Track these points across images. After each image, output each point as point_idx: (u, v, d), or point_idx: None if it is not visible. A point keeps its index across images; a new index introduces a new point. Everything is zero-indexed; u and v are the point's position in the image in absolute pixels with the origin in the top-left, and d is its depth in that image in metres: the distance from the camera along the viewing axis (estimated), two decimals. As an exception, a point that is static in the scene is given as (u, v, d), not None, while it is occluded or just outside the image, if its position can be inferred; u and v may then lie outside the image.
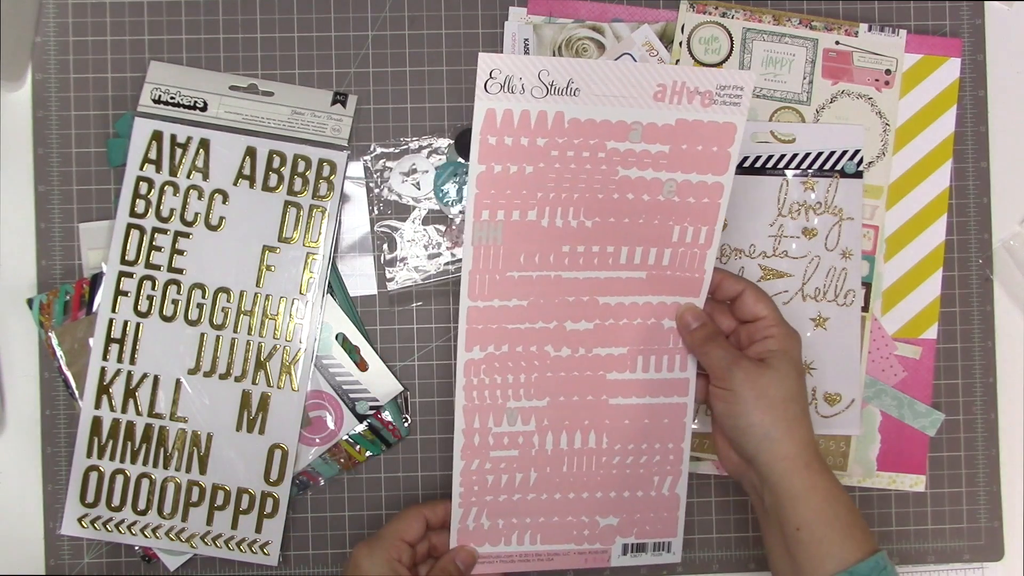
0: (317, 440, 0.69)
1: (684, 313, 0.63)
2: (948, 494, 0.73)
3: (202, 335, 0.68)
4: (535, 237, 0.61)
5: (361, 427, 0.70)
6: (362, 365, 0.70)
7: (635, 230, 0.62)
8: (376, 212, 0.71)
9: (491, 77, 0.58)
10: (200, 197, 0.69)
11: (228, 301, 0.68)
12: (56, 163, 0.70)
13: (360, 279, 0.71)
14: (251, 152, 0.69)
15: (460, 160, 0.71)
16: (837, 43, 0.71)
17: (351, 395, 0.69)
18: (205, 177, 0.69)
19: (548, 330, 0.63)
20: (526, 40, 0.71)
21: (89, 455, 0.68)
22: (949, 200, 0.73)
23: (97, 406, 0.68)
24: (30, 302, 0.68)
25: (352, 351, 0.69)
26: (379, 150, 0.71)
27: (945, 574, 0.73)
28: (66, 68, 0.71)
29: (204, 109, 0.69)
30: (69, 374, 0.68)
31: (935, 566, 0.73)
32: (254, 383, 0.68)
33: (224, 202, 0.69)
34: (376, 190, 0.71)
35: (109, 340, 0.68)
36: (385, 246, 0.71)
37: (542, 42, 0.71)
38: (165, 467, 0.68)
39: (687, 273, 0.63)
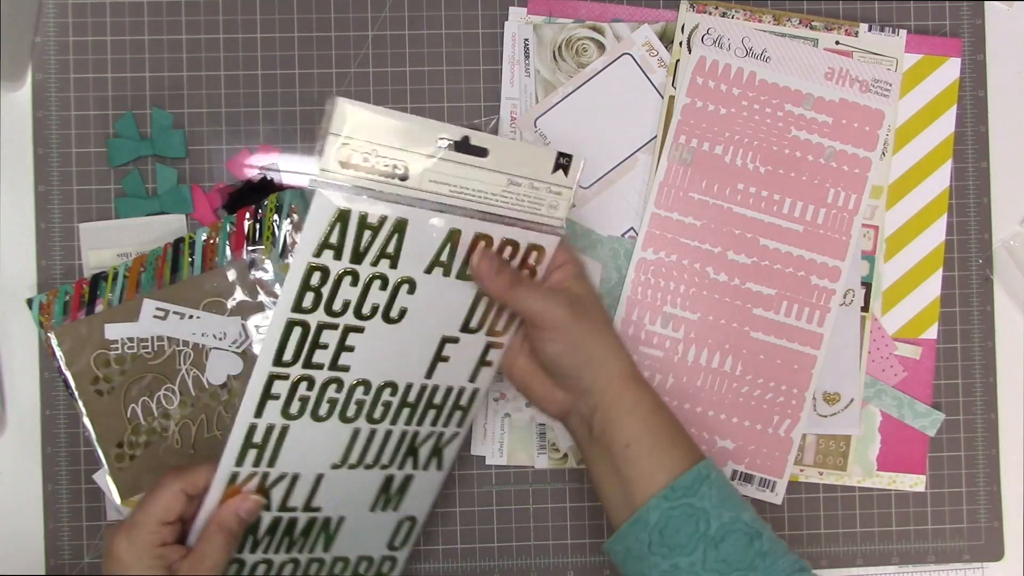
0: (317, 440, 0.69)
1: (480, 263, 0.57)
2: (948, 494, 0.73)
3: (355, 431, 0.60)
4: (718, 169, 0.70)
5: (361, 427, 0.69)
6: (363, 365, 0.69)
7: (798, 185, 0.70)
8: (376, 212, 0.71)
9: (707, 33, 0.70)
10: (383, 287, 0.56)
11: (391, 395, 0.60)
12: (56, 163, 0.70)
13: (360, 279, 0.71)
14: (453, 236, 0.57)
15: (460, 160, 0.70)
16: (837, 43, 0.71)
17: (351, 395, 0.69)
18: (393, 265, 0.56)
19: (712, 254, 0.70)
20: (526, 40, 0.71)
21: None
22: (949, 200, 0.73)
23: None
24: (30, 302, 0.68)
25: (352, 351, 0.69)
26: (379, 150, 0.71)
27: (945, 574, 0.73)
28: (66, 68, 0.71)
29: (405, 178, 0.54)
30: (69, 374, 0.68)
31: (935, 566, 0.73)
32: (399, 468, 0.63)
33: (410, 292, 0.57)
34: (376, 190, 0.71)
35: (248, 446, 0.57)
36: (385, 246, 0.70)
37: (542, 42, 0.71)
38: (288, 551, 0.62)
39: (835, 235, 0.70)
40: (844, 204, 0.70)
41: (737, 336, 0.70)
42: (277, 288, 0.68)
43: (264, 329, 0.68)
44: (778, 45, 0.70)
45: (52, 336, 0.68)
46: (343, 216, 0.53)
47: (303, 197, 0.70)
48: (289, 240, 0.69)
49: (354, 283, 0.55)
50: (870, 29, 0.71)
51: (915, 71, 0.72)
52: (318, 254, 0.54)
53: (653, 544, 0.56)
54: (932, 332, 0.72)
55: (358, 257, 0.55)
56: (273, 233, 0.69)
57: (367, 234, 0.54)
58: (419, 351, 0.59)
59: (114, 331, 0.68)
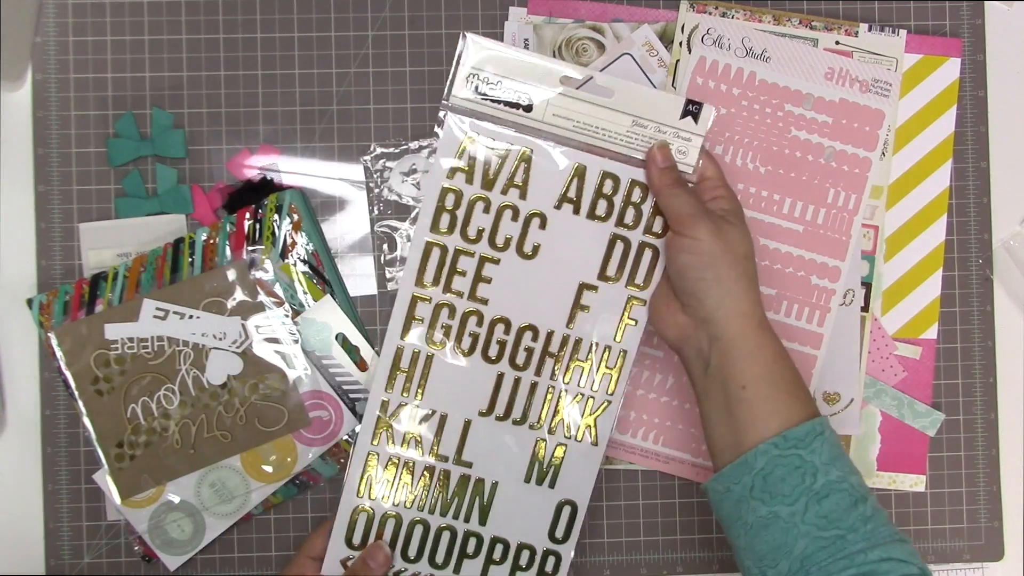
0: (317, 440, 0.69)
1: (656, 150, 0.61)
2: (948, 494, 0.73)
3: (500, 375, 0.62)
4: None
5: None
6: (362, 365, 0.70)
7: (798, 185, 0.69)
8: (376, 212, 0.71)
9: (707, 33, 0.68)
10: (515, 218, 0.61)
11: (533, 340, 0.62)
12: (56, 163, 0.70)
13: (360, 279, 0.71)
14: (580, 172, 0.61)
15: (460, 160, 0.70)
16: (837, 43, 0.71)
17: (351, 395, 0.69)
18: (523, 195, 0.61)
19: None
20: (526, 40, 0.71)
21: (360, 494, 0.63)
22: (949, 200, 0.73)
23: (374, 440, 0.62)
24: (30, 302, 0.68)
25: (352, 351, 0.69)
26: (379, 150, 0.71)
27: (945, 574, 0.73)
28: (66, 68, 0.71)
29: (529, 109, 0.59)
30: (69, 374, 0.68)
31: (935, 566, 0.73)
32: (551, 432, 0.62)
33: (542, 227, 0.61)
34: (376, 190, 0.71)
35: (396, 369, 0.62)
36: (385, 246, 0.71)
37: (542, 42, 0.71)
38: (443, 514, 0.63)
39: (835, 235, 0.69)
40: (844, 204, 0.70)
41: None
42: (277, 288, 0.68)
43: (264, 329, 0.68)
44: (778, 45, 0.70)
45: (52, 336, 0.68)
46: (472, 140, 0.60)
47: (303, 197, 0.70)
48: (289, 240, 0.69)
49: (486, 210, 0.61)
50: (870, 29, 0.71)
51: (915, 71, 0.72)
52: (451, 176, 0.60)
53: (755, 489, 0.56)
54: (932, 332, 0.72)
55: (488, 183, 0.60)
56: (273, 233, 0.69)
57: (495, 161, 0.60)
58: (557, 294, 0.62)
59: (114, 331, 0.68)
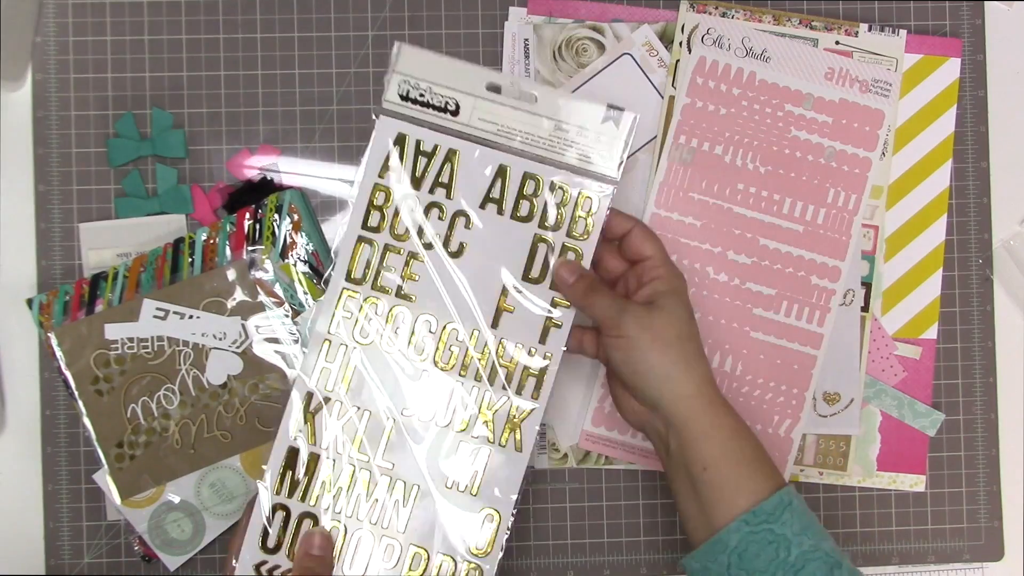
0: (317, 440, 0.69)
1: (560, 269, 0.61)
2: (948, 494, 0.73)
3: (422, 373, 0.62)
4: (718, 169, 0.70)
5: (361, 427, 0.70)
6: (362, 365, 0.70)
7: (798, 185, 0.70)
8: (376, 212, 0.71)
9: (707, 33, 0.70)
10: (441, 217, 0.62)
11: (457, 339, 0.61)
12: (56, 163, 0.70)
13: (360, 279, 0.71)
14: (502, 172, 0.62)
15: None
16: (837, 43, 0.71)
17: (351, 395, 0.69)
18: (448, 195, 0.62)
19: (713, 254, 0.70)
20: (526, 40, 0.71)
21: (279, 492, 0.61)
22: (949, 200, 0.73)
23: (298, 435, 0.61)
24: (30, 302, 0.68)
25: (352, 351, 0.69)
26: (379, 150, 0.71)
27: (945, 574, 0.73)
28: (66, 68, 0.71)
29: (456, 113, 0.61)
30: (69, 374, 0.68)
31: (935, 566, 0.73)
32: (473, 436, 0.61)
33: (467, 226, 0.62)
34: (376, 190, 0.71)
35: (321, 362, 0.62)
36: (385, 246, 0.71)
37: (542, 42, 0.71)
38: (360, 518, 0.61)
39: (835, 235, 0.70)
40: (844, 204, 0.70)
41: (737, 336, 0.70)
42: (277, 288, 0.68)
43: (264, 329, 0.68)
44: (778, 45, 0.70)
45: (52, 336, 0.68)
46: (400, 140, 0.62)
47: (303, 197, 0.70)
48: (289, 240, 0.69)
49: (414, 208, 0.62)
50: (870, 29, 0.71)
51: (915, 71, 0.72)
52: (381, 174, 0.62)
53: (732, 567, 0.56)
54: (932, 332, 0.72)
55: (416, 183, 0.62)
56: (273, 233, 0.69)
57: (422, 160, 0.62)
58: (481, 294, 0.62)
59: (114, 331, 0.68)
